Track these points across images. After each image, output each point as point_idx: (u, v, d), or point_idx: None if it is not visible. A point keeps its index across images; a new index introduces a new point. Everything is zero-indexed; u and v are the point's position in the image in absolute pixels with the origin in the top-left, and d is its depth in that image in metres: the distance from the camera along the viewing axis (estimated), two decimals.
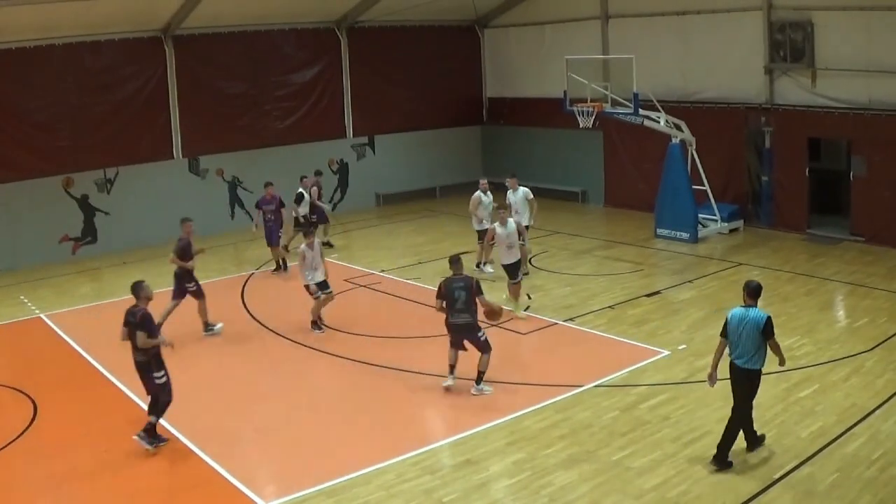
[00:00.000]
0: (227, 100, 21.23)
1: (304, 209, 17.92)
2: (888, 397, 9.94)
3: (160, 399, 9.58)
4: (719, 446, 8.49)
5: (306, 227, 15.25)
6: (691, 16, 20.08)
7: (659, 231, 18.58)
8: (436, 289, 10.74)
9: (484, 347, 10.57)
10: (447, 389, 10.66)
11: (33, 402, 10.87)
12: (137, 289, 9.74)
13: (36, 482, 8.90)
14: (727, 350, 8.57)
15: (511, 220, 13.87)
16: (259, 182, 21.67)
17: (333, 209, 23.24)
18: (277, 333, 13.35)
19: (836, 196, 18.89)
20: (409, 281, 16.16)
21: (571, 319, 13.35)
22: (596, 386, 10.76)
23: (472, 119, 26.05)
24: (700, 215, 18.52)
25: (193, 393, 11.21)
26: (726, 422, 8.53)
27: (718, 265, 16.34)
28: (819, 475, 8.23)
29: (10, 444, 9.68)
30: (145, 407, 10.45)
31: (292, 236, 17.84)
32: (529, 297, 14.44)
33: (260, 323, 13.89)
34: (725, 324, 8.57)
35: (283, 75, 22.14)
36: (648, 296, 14.54)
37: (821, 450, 8.75)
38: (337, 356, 12.19)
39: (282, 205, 16.94)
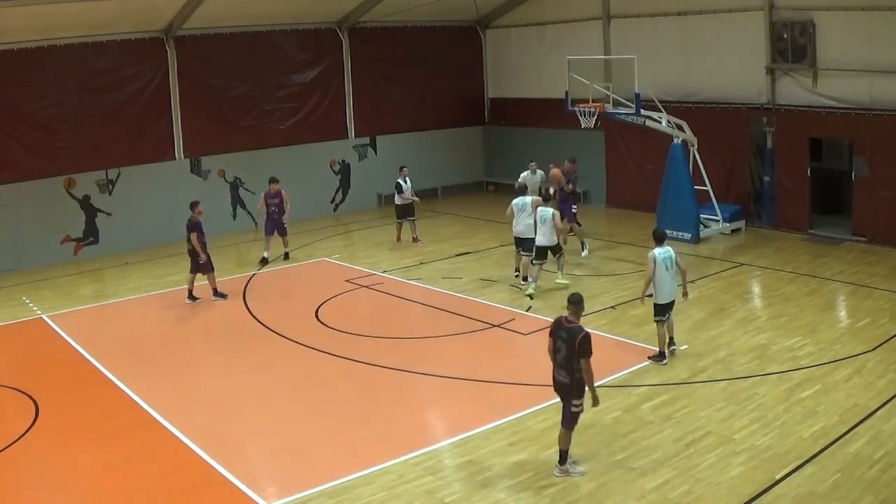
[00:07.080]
0: (229, 100, 21.23)
1: None
2: (890, 397, 9.93)
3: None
4: None
5: None
6: (693, 16, 20.07)
7: None
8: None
9: (568, 420, 8.52)
10: None
11: (35, 402, 10.87)
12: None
13: (37, 483, 8.89)
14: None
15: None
16: (260, 183, 21.78)
17: (335, 210, 23.33)
18: (279, 334, 13.34)
19: (838, 196, 18.89)
20: (410, 281, 16.15)
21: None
22: (597, 386, 10.72)
23: (474, 119, 26.05)
24: (702, 215, 18.50)
25: (195, 393, 11.25)
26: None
27: (720, 265, 16.32)
28: (821, 475, 8.22)
29: (11, 444, 9.68)
30: (147, 408, 10.53)
31: None
32: (531, 298, 14.44)
33: (262, 324, 13.89)
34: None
35: (285, 76, 22.13)
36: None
37: (823, 450, 8.74)
38: (338, 356, 12.18)
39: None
